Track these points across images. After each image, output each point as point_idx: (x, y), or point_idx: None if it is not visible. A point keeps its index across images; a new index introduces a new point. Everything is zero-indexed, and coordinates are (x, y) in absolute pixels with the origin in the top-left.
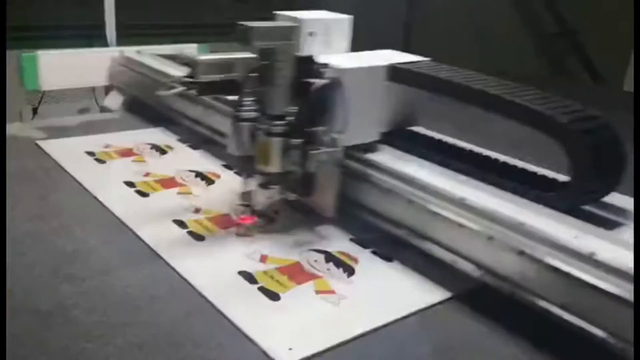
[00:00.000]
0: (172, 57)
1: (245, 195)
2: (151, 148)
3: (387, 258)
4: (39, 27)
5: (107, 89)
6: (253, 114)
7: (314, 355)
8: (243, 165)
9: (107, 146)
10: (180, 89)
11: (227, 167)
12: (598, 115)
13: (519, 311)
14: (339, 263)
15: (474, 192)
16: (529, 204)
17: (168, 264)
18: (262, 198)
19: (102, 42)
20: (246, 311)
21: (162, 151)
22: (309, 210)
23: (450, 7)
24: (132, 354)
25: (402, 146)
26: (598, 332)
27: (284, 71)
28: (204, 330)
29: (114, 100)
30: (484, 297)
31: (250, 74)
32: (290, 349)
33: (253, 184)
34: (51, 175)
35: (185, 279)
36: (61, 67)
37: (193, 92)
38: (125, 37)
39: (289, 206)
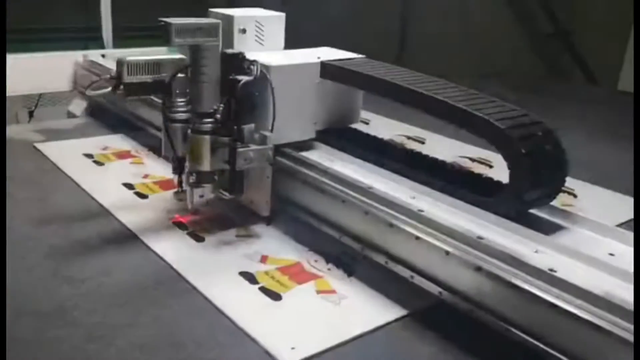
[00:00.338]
0: None
1: (179, 195)
2: (149, 150)
3: None
4: (32, 30)
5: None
6: (184, 115)
7: (316, 354)
8: (175, 167)
9: (105, 148)
10: (107, 89)
11: None
12: (540, 121)
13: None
14: (339, 263)
15: (421, 197)
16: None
17: (169, 265)
18: (195, 197)
19: (99, 44)
20: (248, 311)
21: (160, 153)
22: (244, 208)
23: (445, 7)
24: (133, 354)
25: (338, 144)
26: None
27: (210, 68)
28: (206, 331)
29: (78, 106)
30: None
31: (179, 74)
32: (292, 348)
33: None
34: (50, 178)
35: (186, 280)
36: (25, 71)
37: (120, 93)
38: (121, 39)
39: (224, 205)
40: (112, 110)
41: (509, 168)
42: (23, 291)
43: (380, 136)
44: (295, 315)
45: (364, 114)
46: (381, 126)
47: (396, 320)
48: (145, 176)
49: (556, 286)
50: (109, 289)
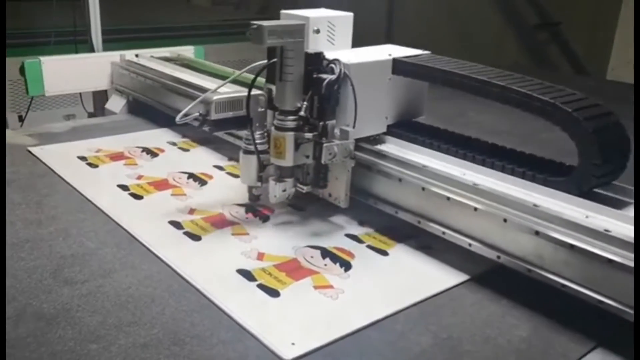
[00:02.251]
0: (169, 60)
1: (255, 190)
2: (142, 151)
3: (383, 252)
4: (21, 34)
5: (95, 95)
6: (262, 147)
7: (316, 350)
8: (251, 197)
9: (98, 150)
10: (193, 118)
11: (219, 167)
12: (599, 103)
13: None
14: (335, 258)
15: (486, 178)
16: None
17: (167, 265)
18: (278, 191)
19: (87, 47)
20: (247, 308)
21: (153, 154)
22: (322, 201)
23: None
24: (136, 353)
25: (408, 137)
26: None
27: (295, 67)
28: (207, 328)
29: (116, 103)
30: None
31: (260, 109)
32: (292, 344)
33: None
34: (45, 181)
35: (184, 279)
36: (64, 72)
37: (206, 129)
38: (108, 42)
39: (303, 198)
40: (151, 106)
41: (579, 148)
42: (24, 293)
43: (443, 128)
44: (293, 311)
45: None
46: None
47: (398, 311)
48: (139, 177)
49: (612, 244)
50: (110, 290)
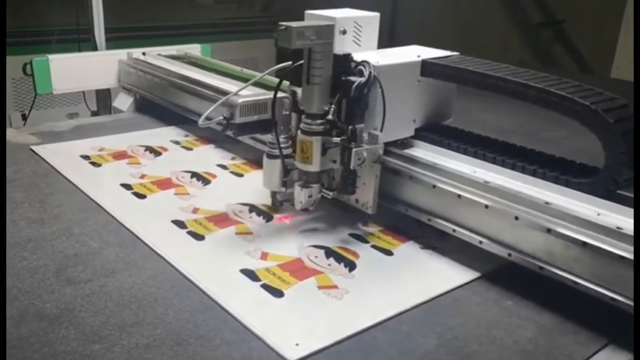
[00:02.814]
0: (176, 58)
1: (278, 199)
2: (145, 150)
3: (387, 252)
4: (24, 33)
5: (98, 93)
6: (286, 151)
7: (320, 350)
8: (274, 202)
9: (101, 149)
10: (216, 122)
11: (222, 167)
12: (627, 104)
13: None
14: (339, 258)
15: (511, 180)
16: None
17: (170, 264)
18: (304, 197)
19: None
20: (251, 308)
21: (156, 153)
22: (325, 200)
23: None
24: (139, 353)
25: (437, 140)
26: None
27: (323, 70)
28: (210, 329)
29: (123, 101)
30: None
31: (285, 113)
32: (296, 344)
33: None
34: (48, 180)
35: (188, 279)
36: (71, 70)
37: (230, 132)
38: (111, 40)
39: (330, 204)
40: (160, 104)
41: (605, 150)
42: (26, 293)
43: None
44: (297, 312)
45: None
46: None
47: (403, 312)
48: (143, 176)
49: (624, 241)
50: (112, 290)
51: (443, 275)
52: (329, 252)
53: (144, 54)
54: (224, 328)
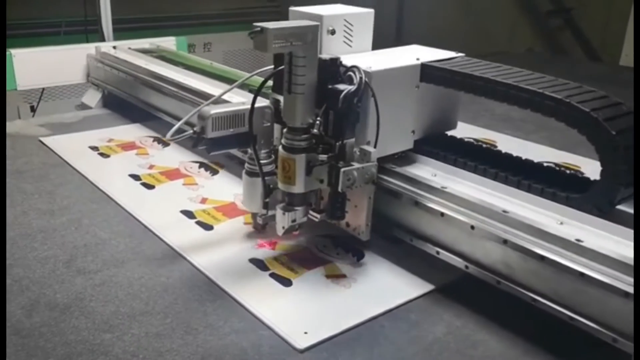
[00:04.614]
0: (148, 52)
1: (259, 222)
2: (153, 140)
3: (397, 240)
4: (26, 25)
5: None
6: (268, 168)
7: (329, 339)
8: (255, 225)
9: (109, 140)
10: (188, 133)
11: (230, 156)
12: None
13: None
14: (347, 247)
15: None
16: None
17: (179, 254)
18: (286, 221)
19: (98, 37)
20: (260, 297)
21: (164, 143)
22: (339, 232)
23: None
24: (149, 342)
25: (437, 154)
26: (586, 322)
27: (306, 77)
28: (219, 318)
29: (92, 98)
30: None
31: (266, 124)
32: (305, 332)
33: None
34: (57, 171)
35: (197, 268)
36: (37, 66)
37: (202, 148)
38: (119, 31)
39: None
40: (126, 100)
41: (602, 162)
42: (37, 283)
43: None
44: (306, 301)
45: None
46: None
47: (411, 300)
48: (151, 167)
49: (584, 256)
50: (122, 280)
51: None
52: (337, 242)
53: (114, 47)
54: (233, 317)
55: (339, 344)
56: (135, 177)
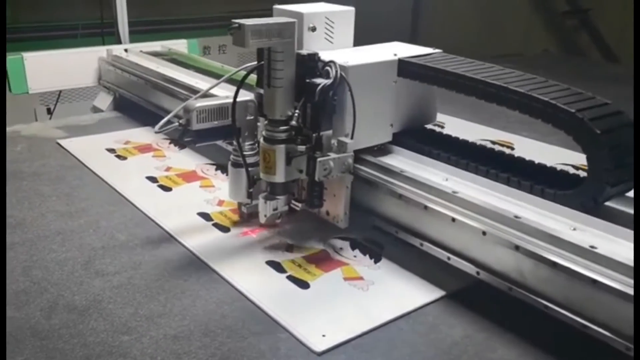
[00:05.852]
0: (159, 55)
1: (246, 208)
2: (170, 143)
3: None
4: (43, 28)
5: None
6: (252, 159)
7: (347, 341)
8: (242, 214)
9: (126, 142)
10: (172, 128)
11: None
12: (621, 111)
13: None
14: (365, 250)
15: (495, 197)
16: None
17: (196, 256)
18: (268, 209)
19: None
20: (277, 300)
21: (181, 145)
22: (319, 221)
23: None
24: (167, 344)
25: (415, 147)
26: (598, 329)
27: (285, 71)
28: (237, 320)
29: (103, 101)
30: None
31: (249, 118)
32: (323, 335)
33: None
34: (75, 173)
35: (214, 270)
36: (49, 69)
37: (187, 140)
38: (135, 34)
39: (297, 217)
40: (137, 104)
41: (588, 162)
42: (56, 285)
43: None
44: (324, 303)
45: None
46: None
47: (429, 303)
48: (168, 169)
49: (598, 262)
50: (141, 282)
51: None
52: (355, 244)
53: (126, 50)
54: (251, 319)
55: (357, 347)
56: (152, 179)
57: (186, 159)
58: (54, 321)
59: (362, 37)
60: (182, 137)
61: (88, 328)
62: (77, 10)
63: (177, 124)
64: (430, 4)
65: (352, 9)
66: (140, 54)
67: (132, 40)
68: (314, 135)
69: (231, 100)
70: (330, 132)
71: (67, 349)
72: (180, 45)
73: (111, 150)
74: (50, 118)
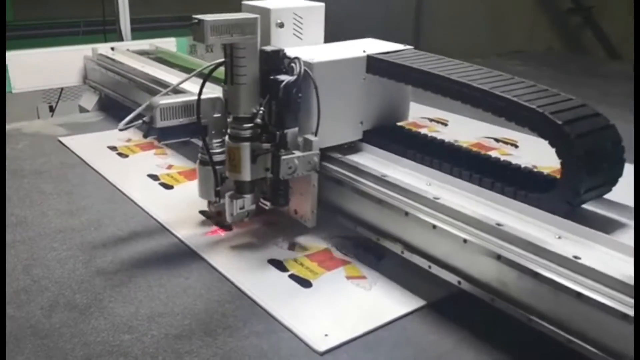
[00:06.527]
0: (146, 54)
1: (213, 207)
2: None
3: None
4: (45, 25)
5: None
6: (219, 157)
7: (349, 341)
8: (210, 214)
9: (128, 140)
10: (138, 122)
11: None
12: (598, 113)
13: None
14: (367, 248)
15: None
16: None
17: (198, 255)
18: (235, 208)
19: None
20: (279, 299)
21: (182, 143)
22: (287, 219)
23: None
24: (169, 344)
25: (386, 145)
26: (585, 345)
27: (248, 68)
28: (239, 319)
29: (89, 100)
30: None
31: (217, 115)
32: (325, 335)
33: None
34: (76, 171)
35: (216, 269)
36: (33, 68)
37: (152, 137)
38: (137, 31)
39: (265, 216)
40: (122, 104)
41: (560, 157)
42: (56, 283)
43: (423, 132)
44: (326, 302)
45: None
46: None
47: (429, 303)
48: (169, 167)
49: (582, 274)
50: (141, 280)
51: None
52: (357, 243)
53: (112, 49)
54: (253, 318)
55: (359, 346)
56: (154, 177)
57: (188, 157)
58: (55, 320)
59: (362, 37)
60: (147, 135)
61: (89, 327)
62: (79, 8)
63: (140, 121)
64: (434, 2)
65: (322, 4)
66: (126, 53)
67: (134, 38)
68: (278, 133)
69: (195, 97)
70: (296, 129)
71: (68, 348)
72: (169, 44)
73: (113, 148)
74: (52, 116)
